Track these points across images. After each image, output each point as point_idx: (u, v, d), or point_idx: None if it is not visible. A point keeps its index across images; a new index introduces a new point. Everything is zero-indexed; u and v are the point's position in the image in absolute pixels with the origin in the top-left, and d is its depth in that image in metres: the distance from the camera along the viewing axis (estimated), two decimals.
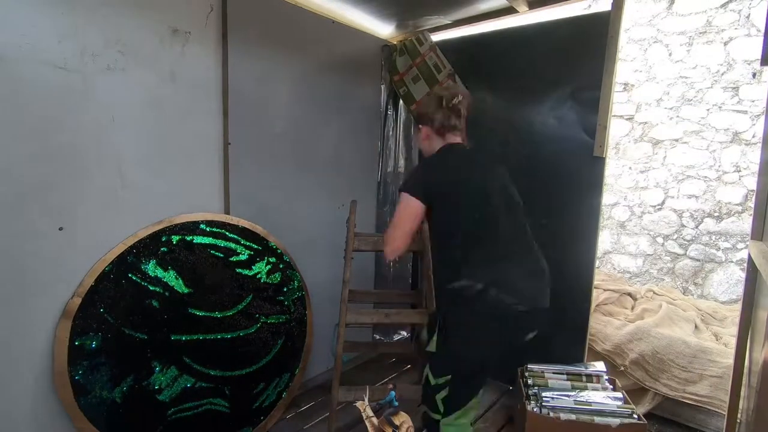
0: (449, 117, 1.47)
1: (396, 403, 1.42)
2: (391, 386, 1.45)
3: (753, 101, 3.05)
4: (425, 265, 1.91)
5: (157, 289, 1.65)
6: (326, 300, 2.36)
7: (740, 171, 3.12)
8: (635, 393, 2.17)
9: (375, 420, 1.38)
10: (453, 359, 1.38)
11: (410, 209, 1.37)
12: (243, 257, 1.91)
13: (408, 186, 1.40)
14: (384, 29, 2.65)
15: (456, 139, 1.51)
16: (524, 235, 1.44)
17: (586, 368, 2.05)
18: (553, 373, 2.04)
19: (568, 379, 1.99)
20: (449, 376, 1.37)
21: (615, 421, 1.72)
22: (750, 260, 1.52)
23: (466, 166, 1.46)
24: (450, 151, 1.48)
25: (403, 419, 1.38)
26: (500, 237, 1.39)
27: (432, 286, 1.86)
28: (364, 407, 1.40)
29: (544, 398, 1.84)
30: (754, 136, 3.06)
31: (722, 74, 3.16)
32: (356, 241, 1.92)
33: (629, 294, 2.77)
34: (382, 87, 2.73)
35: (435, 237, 1.51)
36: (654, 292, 2.83)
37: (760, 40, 1.80)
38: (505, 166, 1.56)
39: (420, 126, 1.54)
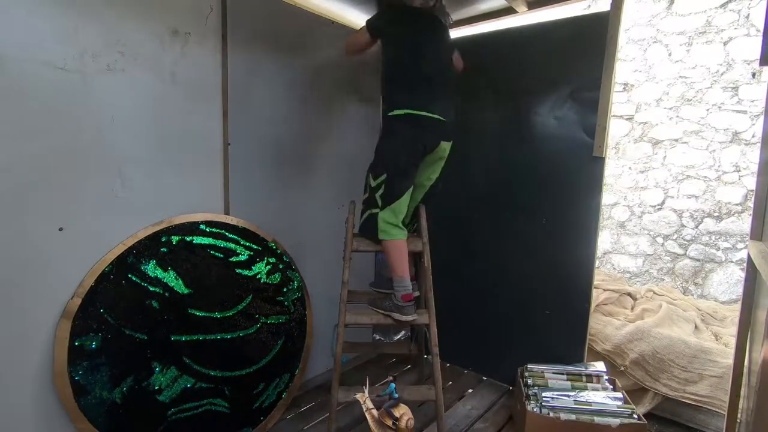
0: None
1: (396, 395, 1.41)
2: (391, 378, 1.45)
3: (752, 101, 3.06)
4: (424, 265, 1.92)
5: (157, 290, 1.65)
6: (326, 300, 2.36)
7: (740, 171, 3.13)
8: (635, 393, 2.17)
9: (375, 412, 1.38)
10: (386, 161, 1.79)
11: (361, 35, 1.99)
12: (243, 258, 1.91)
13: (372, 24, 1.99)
14: None
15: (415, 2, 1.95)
16: (444, 86, 1.86)
17: (586, 368, 2.05)
18: (553, 373, 2.04)
19: (568, 379, 1.99)
20: (384, 176, 1.76)
21: (615, 421, 1.73)
22: (749, 260, 1.52)
23: (412, 23, 1.91)
24: (400, 7, 1.96)
25: (403, 411, 1.38)
26: (425, 79, 1.80)
27: (430, 286, 1.88)
28: (364, 399, 1.40)
29: (544, 398, 1.84)
30: (753, 136, 3.06)
31: (722, 74, 3.16)
32: (355, 242, 1.92)
33: (629, 294, 2.77)
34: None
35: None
36: (654, 292, 2.83)
37: (760, 40, 1.80)
38: (447, 33, 1.99)
39: None
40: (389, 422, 1.35)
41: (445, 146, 1.88)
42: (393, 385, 1.43)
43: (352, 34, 2.03)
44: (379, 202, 1.79)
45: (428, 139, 1.81)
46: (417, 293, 1.90)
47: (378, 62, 2.07)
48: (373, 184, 1.81)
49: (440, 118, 1.79)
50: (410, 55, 1.82)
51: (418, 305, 1.91)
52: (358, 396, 1.43)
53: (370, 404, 1.40)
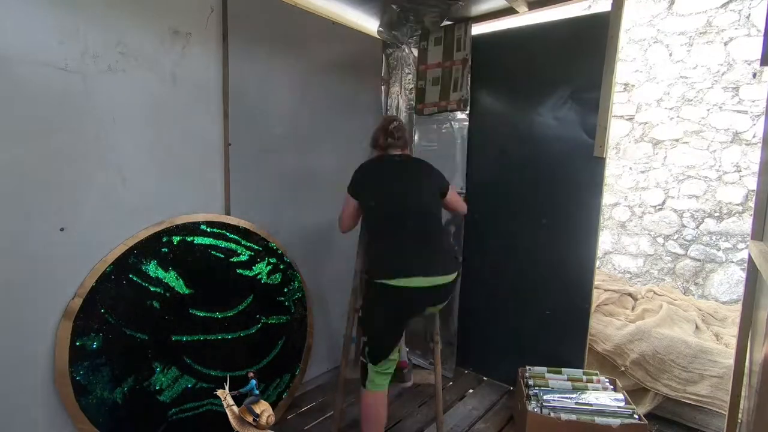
0: (386, 138, 1.80)
1: (257, 392, 1.40)
2: (251, 375, 1.44)
3: (753, 101, 3.05)
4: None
5: (158, 290, 1.65)
6: (327, 301, 2.36)
7: (740, 171, 3.12)
8: (636, 393, 2.17)
9: (235, 408, 1.38)
10: (367, 328, 1.69)
11: (346, 201, 1.79)
12: (244, 258, 1.91)
13: (348, 186, 1.78)
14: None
15: (395, 152, 1.81)
16: (425, 237, 1.67)
17: None
18: (554, 373, 2.04)
19: (568, 380, 1.99)
20: (365, 338, 1.68)
21: (616, 422, 1.72)
22: (750, 260, 1.52)
23: (384, 173, 1.76)
24: (377, 160, 1.82)
25: (263, 408, 1.38)
26: (400, 234, 1.65)
27: None
28: (225, 396, 1.40)
29: (544, 399, 1.84)
30: (754, 136, 3.06)
31: (722, 74, 3.16)
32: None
33: (630, 294, 2.77)
34: (382, 87, 2.73)
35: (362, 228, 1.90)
36: (654, 293, 2.82)
37: (760, 40, 1.80)
38: (433, 175, 1.78)
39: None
40: (250, 419, 1.35)
41: (436, 308, 1.70)
42: (254, 381, 1.41)
43: (343, 207, 1.80)
44: (368, 358, 1.65)
45: (410, 308, 1.64)
46: None
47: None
48: (363, 337, 1.71)
49: (422, 284, 1.55)
50: (376, 212, 1.70)
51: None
52: (219, 392, 1.42)
53: (230, 401, 1.39)
